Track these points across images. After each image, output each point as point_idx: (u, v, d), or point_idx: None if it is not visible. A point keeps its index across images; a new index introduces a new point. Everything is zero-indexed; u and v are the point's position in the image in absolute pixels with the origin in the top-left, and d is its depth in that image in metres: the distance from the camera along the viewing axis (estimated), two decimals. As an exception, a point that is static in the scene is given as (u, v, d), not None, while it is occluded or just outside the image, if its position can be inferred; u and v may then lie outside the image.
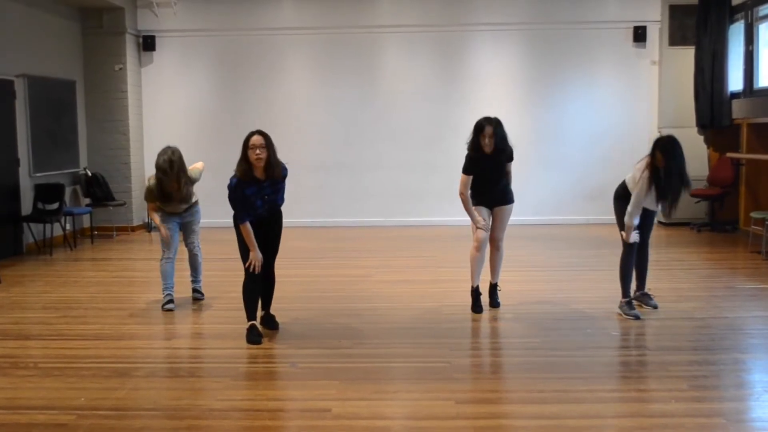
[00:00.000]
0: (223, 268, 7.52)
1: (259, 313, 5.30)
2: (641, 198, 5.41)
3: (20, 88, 8.87)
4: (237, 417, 3.83)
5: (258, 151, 4.86)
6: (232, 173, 4.98)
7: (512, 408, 3.96)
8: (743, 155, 9.49)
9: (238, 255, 5.15)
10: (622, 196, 5.65)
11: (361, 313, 5.90)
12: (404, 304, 6.16)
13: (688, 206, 10.23)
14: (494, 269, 5.93)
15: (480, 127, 5.54)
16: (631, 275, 5.69)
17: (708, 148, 10.51)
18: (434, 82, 10.97)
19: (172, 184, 5.79)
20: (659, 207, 5.67)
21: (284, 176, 5.09)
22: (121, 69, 10.59)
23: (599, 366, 4.58)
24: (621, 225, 5.60)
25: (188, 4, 10.93)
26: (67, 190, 9.87)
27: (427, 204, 10.97)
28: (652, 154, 5.35)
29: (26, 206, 8.98)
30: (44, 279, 7.45)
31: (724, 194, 9.87)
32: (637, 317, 5.53)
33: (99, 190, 10.30)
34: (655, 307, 5.79)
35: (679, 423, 3.65)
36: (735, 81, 9.86)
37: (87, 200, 10.29)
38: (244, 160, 4.92)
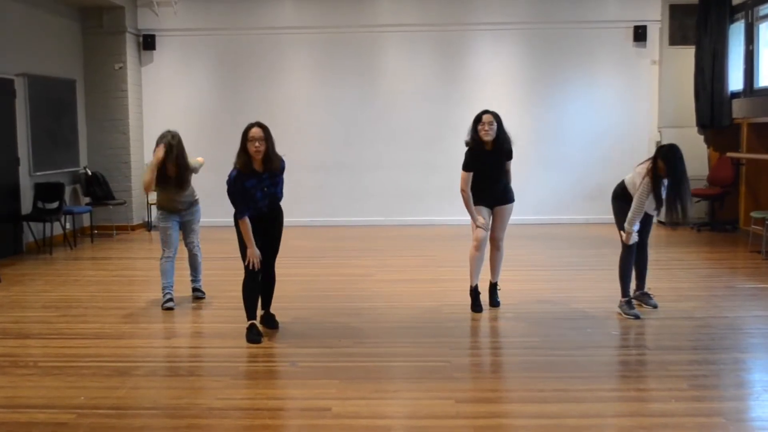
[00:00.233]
0: (223, 267, 7.52)
1: (259, 312, 5.30)
2: (642, 203, 5.40)
3: (20, 88, 8.87)
4: (237, 416, 3.83)
5: (257, 144, 4.87)
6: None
7: (512, 407, 3.96)
8: (743, 155, 9.49)
9: (237, 254, 5.15)
10: (620, 196, 5.65)
11: (361, 312, 5.90)
12: (404, 303, 6.16)
13: (689, 219, 10.24)
14: (494, 269, 5.93)
15: (479, 116, 5.57)
16: (631, 275, 5.69)
17: (708, 147, 10.51)
18: (434, 81, 10.97)
19: (170, 167, 5.85)
20: (657, 213, 5.67)
21: (282, 169, 5.09)
22: (121, 68, 10.59)
23: (599, 365, 4.58)
24: (619, 225, 5.61)
25: (188, 4, 10.93)
26: (67, 189, 9.87)
27: (427, 203, 10.98)
28: (654, 162, 5.35)
29: (26, 205, 8.98)
30: (44, 278, 7.45)
31: (724, 194, 9.87)
32: (636, 317, 5.53)
33: (99, 189, 10.30)
34: (655, 307, 5.80)
35: (679, 422, 3.65)
36: (735, 81, 9.86)
37: (87, 199, 10.29)
38: (243, 152, 4.93)
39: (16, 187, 8.81)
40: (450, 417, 3.76)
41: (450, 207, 10.46)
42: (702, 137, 10.48)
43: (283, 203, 5.24)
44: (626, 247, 5.59)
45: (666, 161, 5.27)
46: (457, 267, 7.14)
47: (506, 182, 5.76)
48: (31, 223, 8.99)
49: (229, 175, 4.95)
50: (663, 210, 5.48)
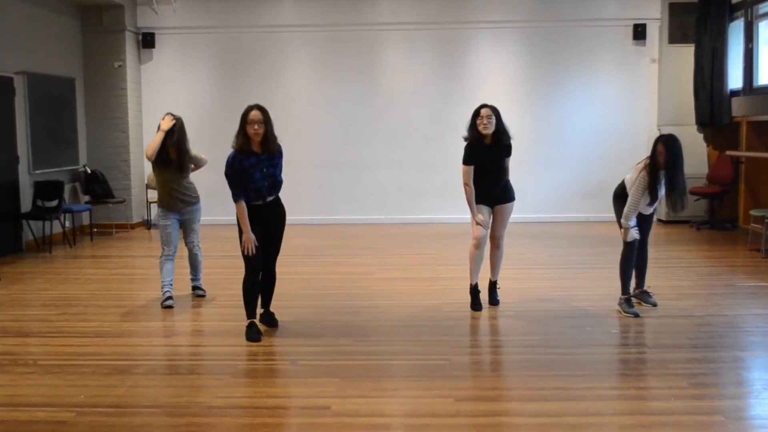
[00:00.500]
0: (223, 266, 7.53)
1: (259, 310, 5.30)
2: (638, 199, 5.41)
3: (20, 86, 8.86)
4: (236, 414, 3.83)
5: (256, 126, 4.91)
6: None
7: (512, 405, 3.96)
8: (743, 153, 9.49)
9: (238, 253, 5.15)
10: (621, 195, 5.65)
11: (361, 310, 5.90)
12: (404, 301, 6.16)
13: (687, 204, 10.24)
14: (494, 267, 5.93)
15: (477, 110, 5.59)
16: (631, 273, 5.70)
17: (707, 146, 10.51)
18: (434, 80, 10.97)
19: (171, 150, 5.93)
20: (654, 207, 5.68)
21: (281, 153, 5.11)
22: (120, 66, 10.58)
23: (599, 363, 4.58)
24: (621, 224, 5.61)
25: (188, 2, 10.92)
26: (67, 188, 9.87)
27: (427, 202, 10.98)
28: (654, 150, 5.36)
29: (26, 203, 8.98)
30: (44, 276, 7.44)
31: (724, 192, 9.87)
32: (636, 315, 5.53)
33: (98, 188, 10.29)
34: (655, 305, 5.80)
35: (679, 420, 3.65)
36: (735, 79, 9.86)
37: (86, 197, 10.28)
38: (242, 133, 4.95)
39: (15, 186, 8.81)
40: (450, 415, 3.76)
41: (450, 205, 10.49)
42: (701, 135, 10.48)
43: (283, 202, 5.24)
44: (627, 245, 5.59)
45: (666, 145, 5.29)
46: (456, 265, 7.14)
47: (507, 181, 5.75)
48: (31, 222, 8.98)
49: (228, 157, 4.97)
50: (659, 208, 5.49)
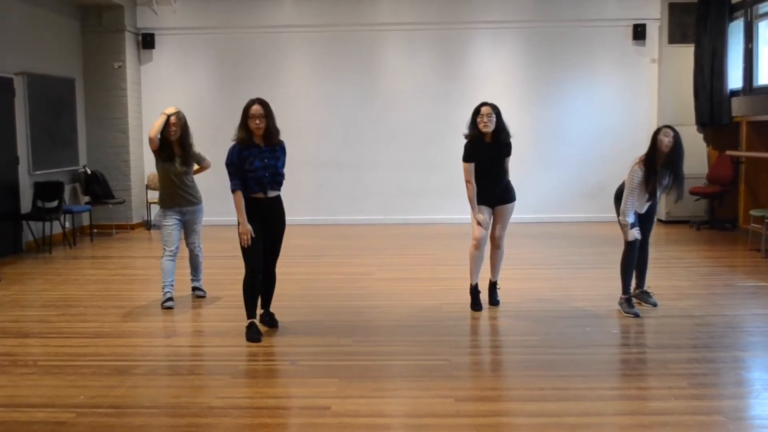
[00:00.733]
0: (224, 266, 7.53)
1: (259, 311, 5.30)
2: (631, 192, 5.41)
3: (20, 86, 8.86)
4: (237, 414, 3.83)
5: (257, 121, 4.95)
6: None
7: (512, 406, 3.96)
8: (743, 153, 9.49)
9: (237, 253, 5.15)
10: (621, 196, 5.65)
11: (361, 310, 5.91)
12: (404, 301, 6.16)
13: (687, 204, 10.26)
14: (494, 267, 5.93)
15: (477, 108, 5.59)
16: (632, 273, 5.69)
17: (707, 146, 10.51)
18: (434, 80, 10.97)
19: (174, 144, 6.00)
20: (654, 207, 5.69)
21: (283, 148, 5.15)
22: (120, 67, 10.58)
23: (599, 364, 4.58)
24: (620, 222, 5.61)
25: (188, 2, 10.92)
26: (67, 188, 9.87)
27: (427, 202, 10.98)
28: (654, 140, 5.39)
29: (26, 204, 8.98)
30: (44, 277, 7.44)
31: (724, 192, 9.88)
32: (636, 315, 5.53)
33: (98, 188, 10.29)
34: (655, 305, 5.79)
35: (679, 421, 3.65)
36: (734, 79, 9.86)
37: (86, 198, 10.28)
38: (244, 127, 4.99)
39: (15, 186, 8.80)
40: (450, 415, 3.76)
41: (450, 206, 10.50)
42: (701, 135, 10.48)
43: (283, 202, 5.24)
44: (628, 245, 5.59)
45: (671, 132, 5.36)
46: (456, 265, 7.14)
47: (507, 181, 5.75)
48: (31, 222, 8.98)
49: (229, 148, 5.03)
50: (660, 207, 5.50)
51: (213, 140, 10.85)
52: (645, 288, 5.90)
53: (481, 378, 4.47)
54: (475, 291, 5.83)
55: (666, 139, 5.34)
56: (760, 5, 9.28)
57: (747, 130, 9.49)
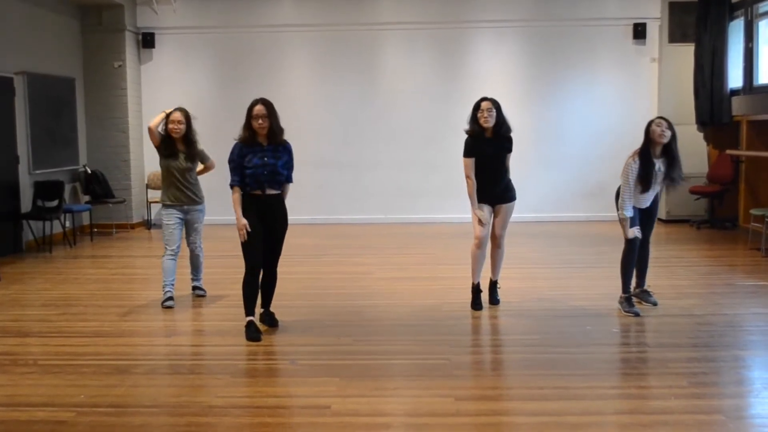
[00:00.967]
0: (224, 265, 7.53)
1: (259, 310, 5.30)
2: (626, 184, 5.42)
3: (20, 86, 8.86)
4: (237, 414, 3.83)
5: (260, 121, 5.01)
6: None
7: (512, 405, 3.96)
8: (743, 152, 9.48)
9: (237, 252, 5.15)
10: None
11: (361, 310, 5.90)
12: (404, 301, 6.16)
13: (687, 203, 10.26)
14: (495, 267, 5.93)
15: (477, 103, 5.60)
16: (632, 272, 5.69)
17: (708, 145, 10.51)
18: (434, 79, 10.97)
19: (178, 141, 6.01)
20: (654, 202, 5.68)
21: (287, 149, 5.20)
22: (120, 66, 10.58)
23: (599, 363, 4.58)
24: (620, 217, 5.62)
25: (188, 2, 10.92)
26: (67, 188, 9.87)
27: (427, 201, 10.98)
28: (647, 131, 5.43)
29: (26, 204, 8.98)
30: (44, 276, 7.44)
31: (724, 191, 9.87)
32: (636, 314, 5.53)
33: (98, 188, 10.29)
34: (655, 304, 5.79)
35: (679, 420, 3.65)
36: (735, 78, 9.86)
37: (86, 197, 10.28)
38: (248, 127, 5.05)
39: (15, 186, 8.81)
40: (450, 414, 3.76)
41: (450, 205, 10.50)
42: (701, 134, 10.48)
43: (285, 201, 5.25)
44: (628, 243, 5.58)
45: (657, 122, 5.41)
46: (456, 265, 7.14)
47: (508, 180, 5.74)
48: (31, 222, 8.98)
49: (233, 146, 5.11)
50: (660, 207, 5.51)
51: (213, 140, 10.85)
52: (645, 287, 5.90)
53: (481, 377, 4.47)
54: (476, 290, 5.83)
55: (659, 129, 5.37)
56: (760, 4, 9.27)
57: (747, 130, 9.49)
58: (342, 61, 10.99)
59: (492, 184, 5.64)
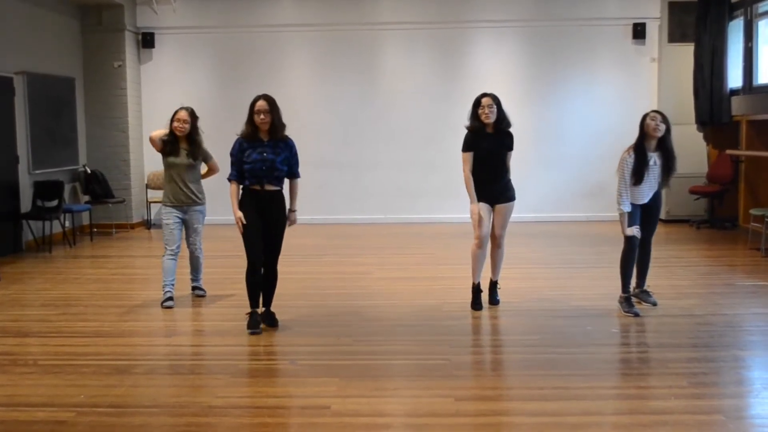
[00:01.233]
0: (224, 265, 7.53)
1: (259, 310, 5.30)
2: (622, 177, 5.42)
3: (19, 86, 8.86)
4: (237, 414, 3.83)
5: (262, 116, 5.08)
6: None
7: (512, 405, 3.96)
8: (742, 152, 9.49)
9: (238, 252, 5.15)
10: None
11: (361, 310, 5.90)
12: (404, 301, 6.16)
13: (687, 203, 10.26)
14: (495, 267, 5.92)
15: (478, 99, 5.63)
16: (632, 272, 5.69)
17: (707, 145, 10.51)
18: (434, 80, 10.97)
19: (182, 140, 6.03)
20: (656, 197, 5.68)
21: (288, 145, 5.25)
22: (120, 66, 10.58)
23: (599, 363, 4.58)
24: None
25: (187, 1, 10.91)
26: (67, 188, 9.87)
27: (427, 201, 10.98)
28: (642, 124, 5.47)
29: (25, 203, 8.98)
30: (44, 276, 7.44)
31: (724, 191, 9.87)
32: (636, 314, 5.53)
33: (98, 188, 10.29)
34: (655, 304, 5.79)
35: (679, 420, 3.65)
36: (734, 78, 9.86)
37: (86, 197, 10.28)
38: (250, 123, 5.11)
39: (15, 186, 8.80)
40: (450, 415, 3.76)
41: (450, 205, 10.49)
42: (701, 134, 10.47)
43: (284, 199, 5.25)
44: (627, 242, 5.58)
45: (652, 116, 5.54)
46: (456, 265, 7.14)
47: (508, 180, 5.74)
48: (31, 222, 8.98)
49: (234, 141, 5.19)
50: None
51: (213, 140, 10.82)
52: (645, 287, 5.89)
53: (481, 377, 4.47)
54: (477, 290, 5.82)
55: (653, 123, 5.41)
56: (760, 4, 9.27)
57: (747, 129, 9.49)
58: (342, 61, 10.99)
59: (491, 181, 5.62)
